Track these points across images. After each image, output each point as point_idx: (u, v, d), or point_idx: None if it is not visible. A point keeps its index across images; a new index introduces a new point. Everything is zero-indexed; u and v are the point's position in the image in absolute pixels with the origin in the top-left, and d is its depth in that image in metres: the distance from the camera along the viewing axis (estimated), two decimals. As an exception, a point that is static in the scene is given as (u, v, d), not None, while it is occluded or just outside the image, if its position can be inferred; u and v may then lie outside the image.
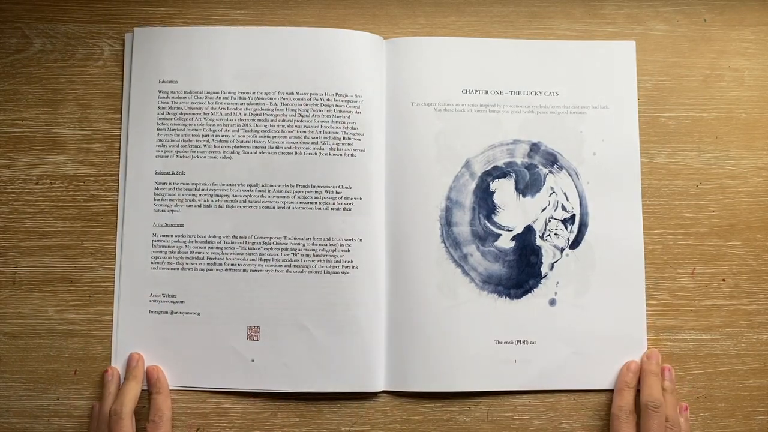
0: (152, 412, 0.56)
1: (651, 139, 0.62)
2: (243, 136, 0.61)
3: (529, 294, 0.60)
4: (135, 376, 0.57)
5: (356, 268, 0.59)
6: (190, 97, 0.61)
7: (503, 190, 0.61)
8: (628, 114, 0.62)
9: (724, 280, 0.61)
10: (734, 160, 0.62)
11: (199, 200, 0.60)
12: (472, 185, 0.61)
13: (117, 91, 0.62)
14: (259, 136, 0.61)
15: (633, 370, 0.58)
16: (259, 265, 0.60)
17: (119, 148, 0.61)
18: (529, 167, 0.61)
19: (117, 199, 0.61)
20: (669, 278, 0.61)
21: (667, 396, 0.57)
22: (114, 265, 0.60)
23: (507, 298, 0.60)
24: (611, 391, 0.59)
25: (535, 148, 0.62)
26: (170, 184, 0.61)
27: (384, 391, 0.59)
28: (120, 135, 0.62)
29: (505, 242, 0.61)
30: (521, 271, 0.60)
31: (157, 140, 0.61)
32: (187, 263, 0.60)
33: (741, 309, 0.61)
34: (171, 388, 0.59)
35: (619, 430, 0.56)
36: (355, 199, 0.60)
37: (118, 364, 0.59)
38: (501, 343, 0.59)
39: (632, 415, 0.56)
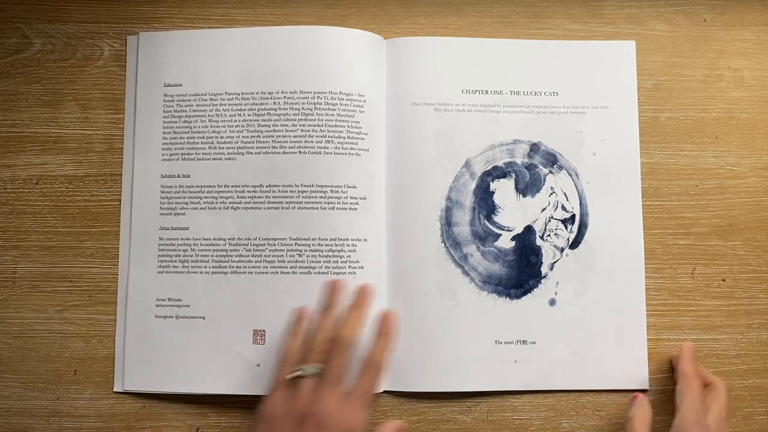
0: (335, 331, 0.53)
1: (651, 139, 0.62)
2: (247, 136, 0.61)
3: (529, 294, 0.60)
4: (359, 306, 0.55)
5: (362, 268, 0.59)
6: (195, 100, 0.61)
7: (503, 190, 0.61)
8: (628, 114, 0.62)
9: (724, 280, 0.61)
10: (734, 160, 0.62)
11: (204, 202, 0.60)
12: (472, 185, 0.61)
13: (117, 91, 0.62)
14: (263, 136, 0.60)
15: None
16: (264, 267, 0.59)
17: (120, 149, 0.62)
18: (529, 167, 0.61)
19: (117, 200, 0.61)
20: (669, 278, 0.61)
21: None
22: (114, 265, 0.60)
23: (507, 298, 0.60)
24: (611, 391, 0.59)
25: (535, 148, 0.62)
26: (176, 187, 0.61)
27: (384, 391, 0.59)
28: (120, 135, 0.62)
29: (505, 242, 0.61)
30: (521, 271, 0.60)
31: (163, 144, 0.61)
32: (192, 266, 0.60)
33: (741, 309, 0.61)
34: (176, 392, 0.58)
35: None
36: (360, 198, 0.60)
37: (122, 370, 0.59)
38: (501, 343, 0.59)
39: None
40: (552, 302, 0.60)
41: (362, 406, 0.50)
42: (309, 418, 0.48)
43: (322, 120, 0.60)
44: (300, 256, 0.59)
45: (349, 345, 0.52)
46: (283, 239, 0.59)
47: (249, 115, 0.61)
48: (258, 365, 0.58)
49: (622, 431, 0.58)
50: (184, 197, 0.60)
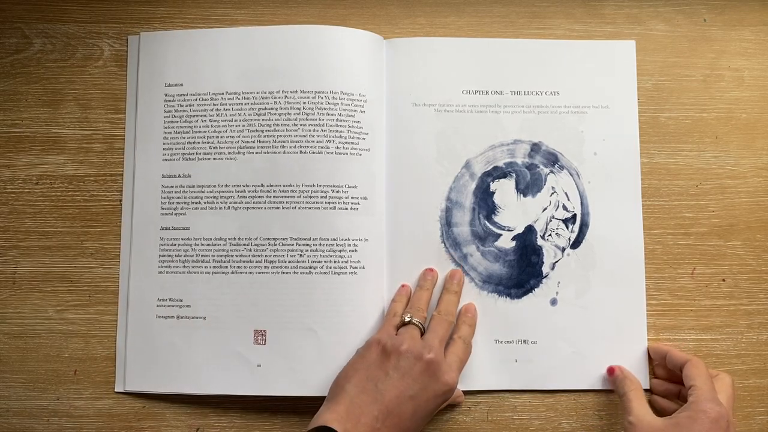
0: (439, 306, 0.58)
1: (651, 139, 0.62)
2: (248, 136, 0.60)
3: (530, 294, 0.60)
4: (456, 291, 0.59)
5: (363, 268, 0.59)
6: (196, 100, 0.61)
7: (504, 190, 0.61)
8: (629, 114, 0.62)
9: (724, 280, 0.61)
10: (734, 160, 0.63)
11: (204, 202, 0.60)
12: (472, 186, 0.61)
13: (117, 91, 0.62)
14: (264, 136, 0.60)
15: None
16: (265, 267, 0.59)
17: (120, 149, 0.62)
18: (530, 167, 0.61)
19: (117, 200, 0.61)
20: (669, 278, 0.61)
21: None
22: (115, 265, 0.60)
23: (507, 297, 0.60)
24: (611, 391, 0.59)
25: (535, 148, 0.62)
26: (176, 187, 0.60)
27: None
28: (121, 135, 0.62)
29: (506, 242, 0.61)
30: (522, 270, 0.60)
31: (164, 144, 0.61)
32: (193, 267, 0.60)
33: (741, 309, 0.61)
34: (177, 392, 0.58)
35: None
36: (361, 198, 0.60)
37: (123, 371, 0.59)
38: (501, 342, 0.59)
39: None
40: (553, 302, 0.60)
41: (458, 369, 0.54)
42: (422, 359, 0.52)
43: (323, 120, 0.60)
44: (301, 256, 0.59)
45: (449, 319, 0.56)
46: (284, 239, 0.59)
47: (250, 114, 0.61)
48: (259, 365, 0.58)
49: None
50: (185, 197, 0.60)
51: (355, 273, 0.59)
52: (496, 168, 0.61)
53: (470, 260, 0.60)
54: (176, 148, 0.61)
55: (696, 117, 0.63)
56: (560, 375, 0.59)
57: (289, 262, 0.59)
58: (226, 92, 0.61)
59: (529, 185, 0.61)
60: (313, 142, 0.60)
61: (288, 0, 0.64)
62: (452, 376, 0.52)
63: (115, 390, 0.59)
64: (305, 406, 0.59)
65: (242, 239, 0.60)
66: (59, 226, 0.61)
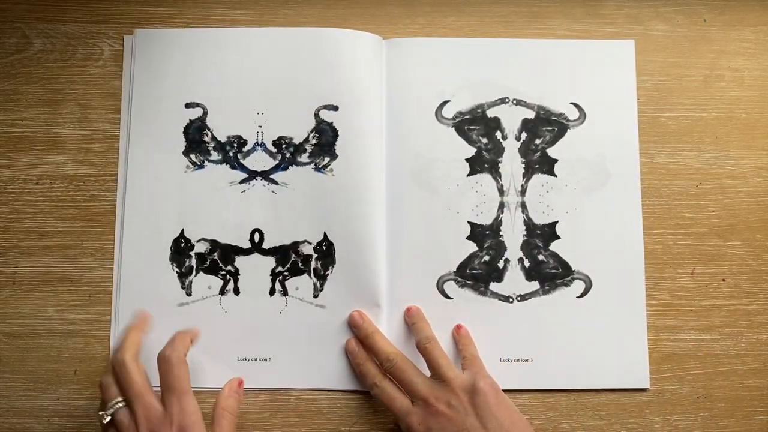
0: None
1: (651, 139, 0.62)
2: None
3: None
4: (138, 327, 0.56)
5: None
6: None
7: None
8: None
9: (724, 280, 0.61)
10: (734, 160, 0.62)
11: None
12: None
13: (117, 91, 0.62)
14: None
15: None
16: None
17: (119, 148, 0.61)
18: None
19: (117, 200, 0.61)
20: (669, 278, 0.61)
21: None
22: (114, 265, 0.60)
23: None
24: (611, 390, 0.59)
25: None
26: None
27: (384, 391, 0.59)
28: (120, 135, 0.62)
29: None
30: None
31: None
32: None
33: (741, 309, 0.61)
34: None
35: None
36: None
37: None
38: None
39: None
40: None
41: None
42: None
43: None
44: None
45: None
46: None
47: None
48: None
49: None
50: None
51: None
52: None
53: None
54: None
55: (696, 117, 0.63)
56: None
57: None
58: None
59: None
60: (313, 142, 0.60)
61: (288, 0, 0.64)
62: None
63: (115, 390, 0.59)
64: (305, 407, 0.59)
65: None
66: (59, 226, 0.61)
